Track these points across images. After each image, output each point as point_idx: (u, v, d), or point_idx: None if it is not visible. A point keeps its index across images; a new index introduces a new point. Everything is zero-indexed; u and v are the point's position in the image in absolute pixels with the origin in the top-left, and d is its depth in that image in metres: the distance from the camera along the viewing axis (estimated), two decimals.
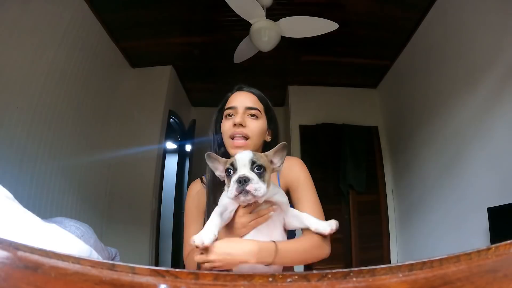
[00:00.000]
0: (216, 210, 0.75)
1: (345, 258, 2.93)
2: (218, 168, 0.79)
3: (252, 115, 0.90)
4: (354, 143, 3.17)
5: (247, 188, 0.67)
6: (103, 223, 2.63)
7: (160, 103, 3.03)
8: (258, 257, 0.68)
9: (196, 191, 0.98)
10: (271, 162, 0.76)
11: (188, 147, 3.72)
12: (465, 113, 2.02)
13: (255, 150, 0.87)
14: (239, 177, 0.68)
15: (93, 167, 2.51)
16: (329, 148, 3.20)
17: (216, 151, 0.95)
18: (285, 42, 2.12)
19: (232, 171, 0.72)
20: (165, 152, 3.31)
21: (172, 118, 3.31)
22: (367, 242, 2.97)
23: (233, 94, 0.96)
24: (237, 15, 1.90)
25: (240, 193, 0.68)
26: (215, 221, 0.71)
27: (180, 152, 3.72)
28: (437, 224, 2.32)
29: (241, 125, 0.87)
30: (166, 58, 3.09)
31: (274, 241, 0.72)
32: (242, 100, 0.92)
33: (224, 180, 0.77)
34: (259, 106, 0.93)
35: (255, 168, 0.70)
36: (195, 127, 3.63)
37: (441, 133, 2.29)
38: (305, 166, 0.95)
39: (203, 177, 1.01)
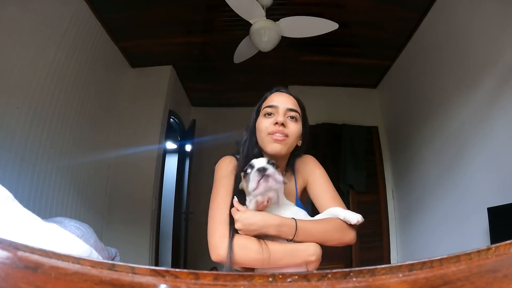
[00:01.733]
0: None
1: (345, 258, 2.93)
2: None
3: (292, 117, 0.90)
4: (354, 143, 3.17)
5: (267, 172, 0.74)
6: (103, 223, 2.63)
7: (160, 103, 3.03)
8: (277, 230, 0.75)
9: (234, 166, 0.91)
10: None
11: (188, 147, 3.72)
12: (465, 113, 2.02)
13: (288, 152, 0.92)
14: (258, 168, 0.76)
15: (93, 167, 2.51)
16: (329, 148, 3.20)
17: (249, 152, 0.91)
18: (285, 42, 2.12)
19: (250, 170, 0.78)
20: (165, 152, 3.31)
21: (172, 118, 3.31)
22: (367, 242, 2.96)
23: (273, 94, 0.96)
24: (237, 15, 1.90)
25: (261, 178, 0.74)
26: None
27: (180, 152, 3.72)
28: (437, 224, 2.32)
29: (282, 124, 0.87)
30: (166, 58, 3.09)
31: (294, 218, 0.77)
32: (284, 101, 0.92)
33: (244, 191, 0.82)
34: (298, 109, 0.94)
35: (271, 164, 0.78)
36: (195, 127, 3.63)
37: (441, 133, 2.29)
38: (318, 162, 0.99)
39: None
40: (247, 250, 0.73)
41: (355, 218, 0.80)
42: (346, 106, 3.43)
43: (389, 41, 2.74)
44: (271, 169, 0.76)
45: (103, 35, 2.53)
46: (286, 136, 0.87)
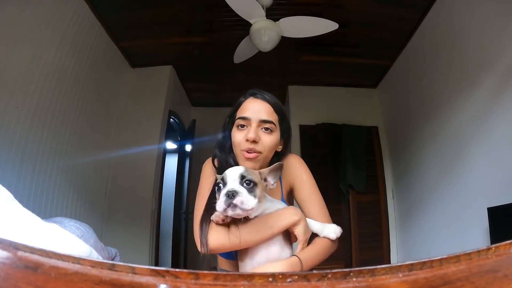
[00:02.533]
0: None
1: (345, 258, 2.93)
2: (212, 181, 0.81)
3: (266, 129, 0.84)
4: (354, 143, 3.17)
5: (234, 201, 0.67)
6: (103, 223, 2.63)
7: (160, 103, 3.03)
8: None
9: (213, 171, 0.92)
10: (265, 179, 0.78)
11: (188, 147, 3.72)
12: (465, 113, 2.02)
13: (265, 163, 0.88)
14: (228, 191, 0.68)
15: (93, 167, 2.51)
16: (329, 148, 3.20)
17: (225, 158, 0.90)
18: (285, 42, 2.12)
19: (222, 186, 0.72)
20: (165, 152, 3.31)
21: (172, 118, 3.31)
22: (367, 242, 2.97)
23: (246, 101, 0.89)
24: (237, 15, 1.90)
25: (228, 206, 0.68)
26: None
27: (180, 152, 3.72)
28: (437, 224, 2.32)
29: (254, 141, 0.82)
30: (166, 58, 3.09)
31: (296, 255, 0.76)
32: (257, 111, 0.85)
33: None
34: (274, 117, 0.86)
35: (245, 183, 0.71)
36: (195, 127, 3.63)
37: (441, 133, 2.29)
38: (305, 163, 0.95)
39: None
40: (220, 234, 0.76)
41: (334, 234, 0.81)
42: (346, 106, 3.43)
43: (389, 41, 2.74)
44: (241, 196, 0.68)
45: (103, 35, 2.53)
46: (259, 152, 0.83)
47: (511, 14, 1.64)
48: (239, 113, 0.88)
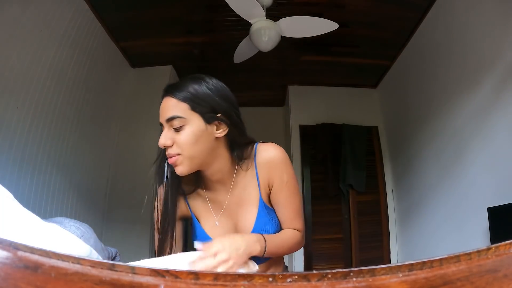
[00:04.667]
0: None
1: (345, 258, 2.93)
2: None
3: (176, 129, 0.73)
4: (354, 143, 3.17)
5: None
6: (103, 223, 2.63)
7: (160, 103, 3.03)
8: (261, 246, 0.70)
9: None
10: None
11: None
12: (465, 113, 2.02)
13: (198, 164, 0.75)
14: None
15: (93, 167, 2.51)
16: (329, 148, 3.20)
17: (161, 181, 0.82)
18: (285, 42, 2.12)
19: None
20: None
21: None
22: (367, 242, 2.96)
23: (161, 104, 0.79)
24: (237, 15, 1.90)
25: None
26: None
27: None
28: (437, 224, 2.32)
29: (166, 145, 0.73)
30: (166, 58, 3.09)
31: (262, 234, 0.73)
32: (163, 113, 0.76)
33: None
34: (181, 109, 0.73)
35: None
36: None
37: (441, 133, 2.29)
38: (288, 158, 0.82)
39: None
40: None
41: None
42: (346, 106, 3.43)
43: (389, 41, 2.74)
44: None
45: (103, 35, 2.53)
46: (178, 154, 0.72)
47: (511, 14, 1.64)
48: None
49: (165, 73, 3.15)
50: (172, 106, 0.74)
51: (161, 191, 0.84)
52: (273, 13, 2.03)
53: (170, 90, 0.78)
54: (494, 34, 1.76)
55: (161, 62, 3.13)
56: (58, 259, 0.23)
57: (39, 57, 1.87)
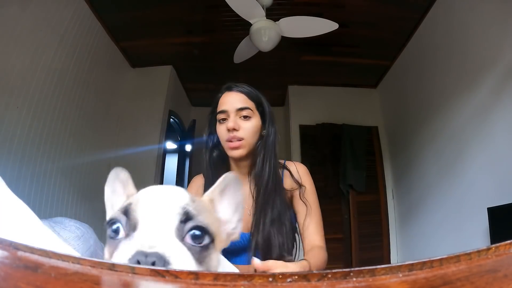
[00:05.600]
0: None
1: (345, 258, 2.93)
2: (116, 200, 0.44)
3: (245, 116, 0.88)
4: (354, 143, 3.17)
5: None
6: (103, 223, 2.63)
7: (160, 103, 3.03)
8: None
9: (198, 186, 0.94)
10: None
11: (188, 147, 3.72)
12: (465, 113, 2.02)
13: (251, 150, 0.88)
14: (142, 252, 0.30)
15: (93, 167, 2.51)
16: (329, 148, 3.20)
17: (210, 155, 0.93)
18: (285, 42, 2.12)
19: (122, 229, 0.35)
20: (165, 152, 3.30)
21: (172, 118, 3.31)
22: (367, 242, 2.97)
23: (223, 96, 0.93)
24: (237, 15, 1.91)
25: None
26: None
27: (180, 152, 3.72)
28: (437, 224, 2.32)
29: (234, 129, 0.86)
30: (166, 58, 3.09)
31: (306, 260, 0.76)
32: (232, 102, 0.89)
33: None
34: (250, 104, 0.90)
35: (191, 235, 0.34)
36: (195, 127, 3.63)
37: (441, 133, 2.29)
38: (310, 174, 0.96)
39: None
40: None
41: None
42: (346, 106, 3.43)
43: (389, 41, 2.74)
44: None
45: (103, 35, 2.53)
46: (241, 139, 0.86)
47: (511, 14, 1.64)
48: (218, 108, 0.91)
49: (165, 73, 3.15)
50: (243, 99, 0.90)
51: (199, 180, 0.95)
52: (273, 13, 2.03)
53: (239, 87, 0.92)
54: (494, 34, 1.76)
55: (161, 62, 3.13)
56: (58, 259, 0.23)
57: (39, 57, 1.87)
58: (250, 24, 1.99)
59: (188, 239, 0.34)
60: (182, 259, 0.32)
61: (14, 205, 0.56)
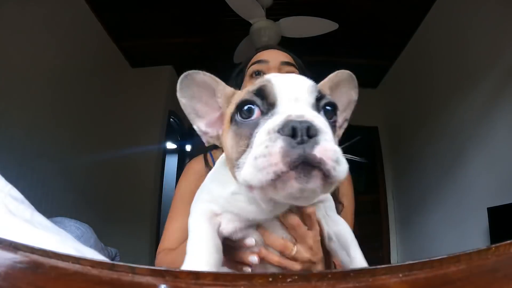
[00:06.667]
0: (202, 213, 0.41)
1: None
2: (208, 110, 0.43)
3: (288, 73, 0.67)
4: (354, 143, 3.17)
5: (316, 152, 0.29)
6: (103, 223, 2.63)
7: (160, 103, 3.03)
8: None
9: (195, 171, 0.76)
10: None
11: (188, 147, 3.72)
12: (465, 112, 2.02)
13: None
14: (293, 120, 0.30)
15: (93, 167, 2.51)
16: None
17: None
18: (285, 42, 2.12)
19: (260, 108, 0.35)
20: (165, 152, 3.30)
21: (172, 118, 3.31)
22: (367, 242, 2.95)
23: (262, 52, 0.78)
24: (237, 15, 1.91)
25: (294, 166, 0.29)
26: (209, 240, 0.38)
27: (180, 152, 3.72)
28: (437, 224, 2.32)
29: None
30: (166, 58, 3.09)
31: None
32: (278, 57, 0.74)
33: (220, 142, 0.42)
34: (296, 65, 0.76)
35: (324, 108, 0.36)
36: None
37: (441, 133, 2.29)
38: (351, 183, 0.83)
39: (209, 154, 0.78)
40: None
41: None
42: None
43: (389, 41, 2.74)
44: (326, 141, 0.31)
45: (103, 35, 2.53)
46: None
47: (511, 14, 1.64)
48: (254, 60, 0.74)
49: (165, 73, 3.15)
50: (288, 56, 0.77)
51: (197, 164, 0.77)
52: (273, 13, 2.03)
53: (284, 48, 0.80)
54: (494, 34, 1.76)
55: (161, 62, 3.13)
56: (58, 259, 0.23)
57: (39, 57, 1.87)
58: (250, 24, 1.99)
59: (322, 114, 0.36)
60: (327, 129, 0.33)
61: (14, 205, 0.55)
